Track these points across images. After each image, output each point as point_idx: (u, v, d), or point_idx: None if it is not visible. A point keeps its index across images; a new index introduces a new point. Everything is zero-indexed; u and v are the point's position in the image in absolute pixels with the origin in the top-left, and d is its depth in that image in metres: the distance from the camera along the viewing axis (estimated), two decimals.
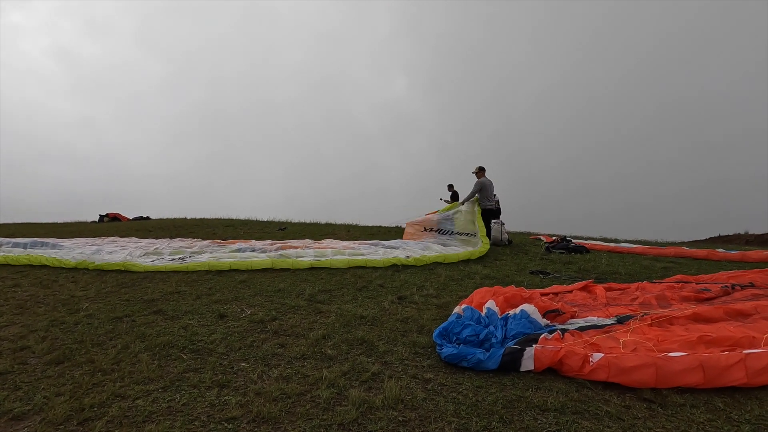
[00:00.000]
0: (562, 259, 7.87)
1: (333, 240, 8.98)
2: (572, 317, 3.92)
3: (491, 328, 3.42)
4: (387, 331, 3.75)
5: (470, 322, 3.45)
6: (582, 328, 3.51)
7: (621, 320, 3.71)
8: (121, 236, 10.26)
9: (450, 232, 9.02)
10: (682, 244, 12.14)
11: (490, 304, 3.87)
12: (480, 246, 7.93)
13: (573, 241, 9.87)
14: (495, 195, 14.33)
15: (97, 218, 16.91)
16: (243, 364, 3.08)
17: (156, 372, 2.95)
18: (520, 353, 2.93)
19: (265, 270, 6.21)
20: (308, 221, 15.42)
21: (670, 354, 2.79)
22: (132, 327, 3.87)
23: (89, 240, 9.34)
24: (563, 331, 3.42)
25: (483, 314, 3.71)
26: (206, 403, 2.55)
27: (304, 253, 7.05)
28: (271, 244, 8.00)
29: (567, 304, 4.26)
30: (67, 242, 8.81)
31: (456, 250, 7.81)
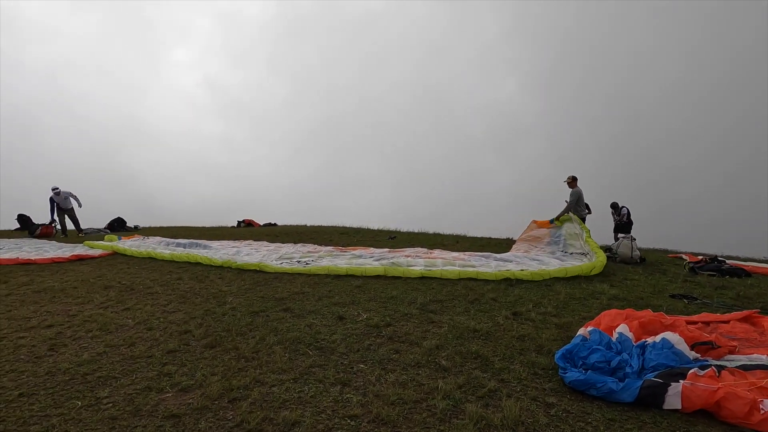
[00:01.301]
0: (712, 282, 6.70)
1: (443, 250, 8.97)
2: (730, 353, 3.31)
3: (624, 355, 3.07)
4: (502, 347, 3.61)
5: (599, 347, 3.14)
6: (746, 368, 2.94)
7: None
8: (254, 240, 11.65)
9: (563, 251, 8.38)
10: None
11: (623, 328, 3.47)
12: (596, 258, 7.18)
13: (727, 261, 8.33)
14: (623, 207, 12.92)
15: (235, 223, 19.49)
16: (361, 366, 3.25)
17: (287, 364, 3.28)
18: (663, 388, 2.58)
19: (378, 276, 6.47)
20: (416, 231, 15.66)
21: None
22: (266, 321, 4.36)
23: (230, 242, 10.80)
24: (719, 368, 2.90)
25: (614, 339, 3.35)
26: (330, 398, 2.76)
27: (415, 262, 7.17)
28: (389, 252, 8.32)
29: (723, 337, 3.61)
30: (214, 244, 10.31)
31: (575, 263, 7.18)
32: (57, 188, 13.26)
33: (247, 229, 16.58)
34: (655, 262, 8.65)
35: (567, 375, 2.87)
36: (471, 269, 6.57)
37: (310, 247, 9.79)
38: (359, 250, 8.75)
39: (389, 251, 8.64)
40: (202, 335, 3.96)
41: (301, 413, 2.56)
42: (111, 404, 2.71)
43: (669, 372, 2.81)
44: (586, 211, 10.16)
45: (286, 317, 4.49)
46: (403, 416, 2.51)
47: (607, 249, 9.04)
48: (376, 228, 16.12)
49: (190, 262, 7.98)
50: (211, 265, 7.67)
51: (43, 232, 13.23)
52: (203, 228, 17.12)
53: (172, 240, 10.80)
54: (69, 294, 5.63)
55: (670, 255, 10.23)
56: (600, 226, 14.02)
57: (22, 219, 15.02)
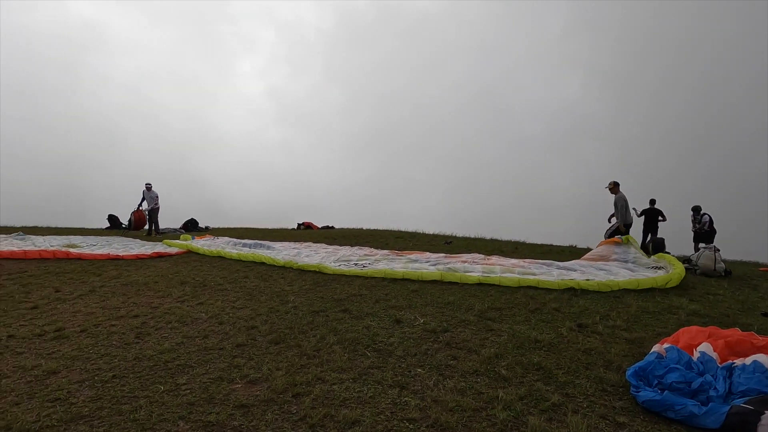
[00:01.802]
0: None
1: (501, 257, 8.73)
2: None
3: (708, 377, 2.81)
4: (567, 360, 3.45)
5: (677, 366, 2.90)
6: None
7: None
8: (313, 242, 12.07)
9: (634, 263, 7.76)
10: None
11: (705, 347, 3.18)
12: (672, 270, 6.58)
13: None
14: (705, 214, 11.81)
15: (295, 226, 20.31)
16: (419, 370, 3.26)
17: (347, 363, 3.37)
18: (755, 416, 2.33)
19: (434, 281, 6.44)
20: (473, 236, 15.36)
21: None
22: (326, 321, 4.51)
23: (291, 244, 11.28)
24: None
25: (694, 359, 3.08)
26: (389, 400, 2.79)
27: (472, 268, 7.04)
28: (445, 257, 8.26)
29: None
30: (276, 245, 10.83)
31: (647, 275, 6.66)
32: (149, 184, 14.48)
33: (306, 232, 17.20)
34: (744, 276, 7.80)
35: (640, 394, 2.69)
36: (531, 277, 6.34)
37: (367, 250, 9.96)
38: (415, 255, 8.75)
39: (445, 256, 8.56)
40: (267, 331, 4.18)
41: (361, 413, 2.62)
42: (189, 391, 2.95)
43: (762, 399, 2.53)
44: (632, 218, 9.85)
45: (345, 318, 4.61)
46: (462, 424, 2.49)
47: (685, 260, 8.31)
48: (431, 233, 16.03)
49: (255, 262, 8.44)
50: (274, 265, 8.06)
51: (137, 218, 14.47)
52: (266, 230, 18.00)
53: (239, 240, 11.48)
54: (151, 288, 6.19)
55: (761, 269, 9.17)
56: (677, 234, 12.92)
57: (112, 218, 16.73)
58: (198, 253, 9.75)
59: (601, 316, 4.72)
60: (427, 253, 9.30)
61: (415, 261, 7.94)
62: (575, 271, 7.05)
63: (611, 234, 9.93)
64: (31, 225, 16.05)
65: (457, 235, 15.39)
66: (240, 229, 18.11)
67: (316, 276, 7.06)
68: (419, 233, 15.66)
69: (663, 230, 12.40)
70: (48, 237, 11.89)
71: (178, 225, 17.32)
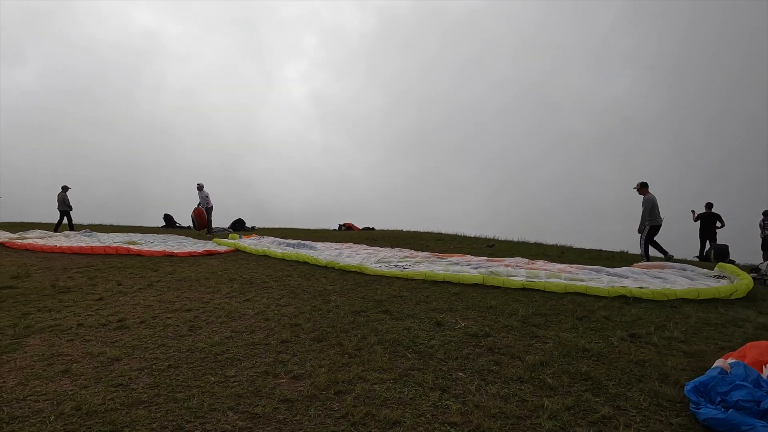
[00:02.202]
0: None
1: (546, 261, 8.43)
2: None
3: None
4: (618, 371, 3.28)
5: (743, 383, 2.68)
6: None
7: None
8: (354, 243, 12.22)
9: (693, 271, 7.19)
10: None
11: None
12: (738, 281, 6.06)
13: None
14: None
15: (336, 227, 20.67)
16: (460, 374, 3.22)
17: (387, 364, 3.39)
18: None
19: (475, 285, 6.33)
20: (516, 240, 14.95)
21: None
22: (367, 321, 4.55)
23: (333, 245, 11.48)
24: None
25: (764, 376, 2.83)
26: (430, 402, 2.78)
27: (515, 272, 6.86)
28: (487, 260, 8.12)
29: None
30: (319, 245, 11.06)
31: (709, 284, 6.19)
32: (200, 185, 14.92)
33: (347, 233, 17.45)
34: None
35: (701, 411, 2.51)
36: (579, 283, 6.08)
37: (407, 252, 9.95)
38: (456, 258, 8.65)
39: (487, 260, 8.39)
40: (310, 329, 4.28)
41: (402, 413, 2.63)
42: (237, 383, 3.08)
43: None
44: (661, 219, 9.37)
45: (386, 319, 4.64)
46: (505, 431, 2.43)
47: (753, 269, 7.66)
48: (472, 235, 15.77)
49: (298, 261, 8.67)
50: (317, 265, 8.24)
51: (197, 214, 15.10)
52: (308, 230, 18.44)
53: (283, 240, 11.84)
54: (202, 284, 6.52)
55: None
56: (743, 241, 11.95)
57: (167, 218, 17.80)
58: (245, 252, 10.15)
59: (656, 326, 4.44)
60: (469, 256, 9.15)
61: (456, 264, 7.84)
62: (627, 278, 6.69)
63: (646, 238, 9.40)
64: (96, 223, 17.39)
65: (500, 239, 15.04)
66: (284, 229, 18.66)
67: (357, 276, 7.14)
68: (460, 236, 15.45)
69: (722, 236, 11.51)
70: (111, 234, 12.84)
71: (226, 224, 18.13)
